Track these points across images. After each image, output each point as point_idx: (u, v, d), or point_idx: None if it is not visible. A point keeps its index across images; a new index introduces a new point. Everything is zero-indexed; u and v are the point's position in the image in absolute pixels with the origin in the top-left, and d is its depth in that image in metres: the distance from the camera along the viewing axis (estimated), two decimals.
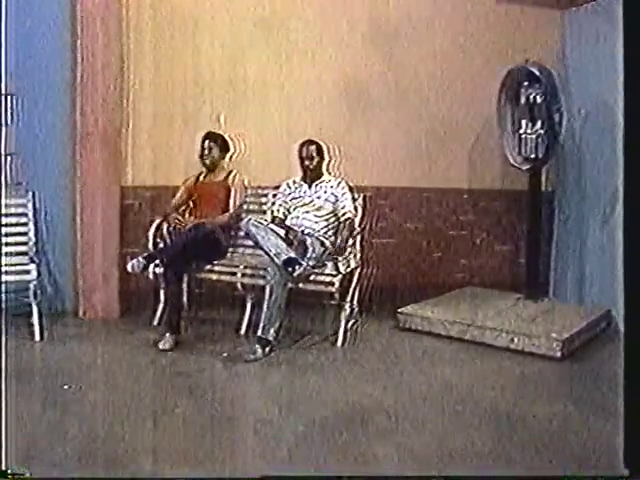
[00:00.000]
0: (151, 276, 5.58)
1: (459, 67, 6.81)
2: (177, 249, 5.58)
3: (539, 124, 6.19)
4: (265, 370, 5.04)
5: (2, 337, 4.55)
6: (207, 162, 5.96)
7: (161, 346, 5.34)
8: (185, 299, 5.95)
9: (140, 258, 5.51)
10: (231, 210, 5.90)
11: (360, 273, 5.82)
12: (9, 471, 3.29)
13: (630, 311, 3.40)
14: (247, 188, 6.05)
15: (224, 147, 6.02)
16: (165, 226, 5.91)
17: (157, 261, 5.52)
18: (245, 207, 6.11)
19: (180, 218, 5.84)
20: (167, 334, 5.41)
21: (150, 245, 5.79)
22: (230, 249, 5.98)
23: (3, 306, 5.18)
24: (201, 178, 6.04)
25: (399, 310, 6.10)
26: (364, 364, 5.23)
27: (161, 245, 5.82)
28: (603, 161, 6.36)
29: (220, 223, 5.82)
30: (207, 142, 5.94)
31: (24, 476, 3.29)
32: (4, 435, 3.40)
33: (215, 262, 5.75)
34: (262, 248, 5.33)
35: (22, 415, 3.93)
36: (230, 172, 6.00)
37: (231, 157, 6.11)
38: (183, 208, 6.05)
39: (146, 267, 5.48)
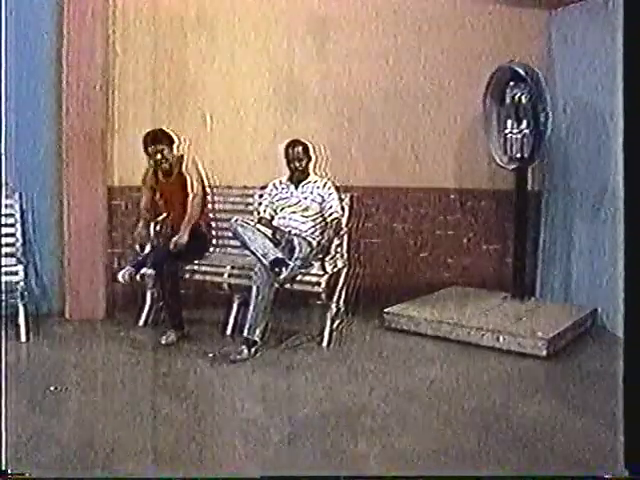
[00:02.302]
0: (138, 277, 5.59)
1: (445, 68, 6.82)
2: (164, 252, 5.59)
3: (525, 124, 6.21)
4: (251, 370, 5.04)
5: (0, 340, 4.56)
6: (165, 167, 5.76)
7: (163, 341, 5.44)
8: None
9: (128, 267, 5.55)
10: (190, 195, 5.76)
11: (347, 273, 5.84)
12: (9, 471, 3.29)
13: (630, 311, 3.40)
14: (201, 177, 5.86)
15: (171, 142, 5.77)
16: (152, 227, 5.90)
17: (147, 266, 5.55)
18: (232, 207, 6.12)
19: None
20: (170, 330, 5.50)
21: (137, 246, 5.80)
22: (217, 248, 6.01)
23: None
24: (160, 175, 5.87)
25: (385, 310, 6.11)
26: (350, 364, 5.23)
27: (147, 249, 5.80)
28: (590, 161, 6.39)
29: (197, 211, 5.78)
30: (155, 147, 5.68)
31: (24, 476, 3.29)
32: (4, 435, 3.40)
33: (202, 260, 5.79)
34: (249, 248, 5.34)
35: (8, 416, 3.92)
36: (181, 157, 5.82)
37: (178, 147, 5.90)
38: (157, 200, 5.96)
39: (136, 274, 5.53)
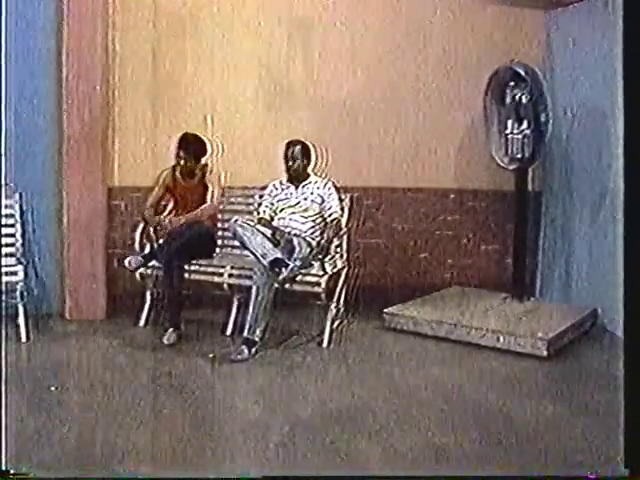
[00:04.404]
0: (143, 270, 5.63)
1: (446, 68, 6.82)
2: (176, 246, 5.59)
3: (525, 124, 6.20)
4: (251, 370, 5.05)
5: (1, 340, 4.56)
6: (185, 172, 5.88)
7: (165, 341, 5.44)
8: None
9: (139, 256, 5.55)
10: (208, 202, 5.86)
11: (347, 273, 5.83)
12: (11, 471, 3.29)
13: (630, 311, 3.40)
14: (223, 188, 6.01)
15: (201, 152, 5.90)
16: (151, 228, 5.89)
17: (157, 259, 5.58)
18: (232, 207, 6.13)
19: (163, 221, 5.82)
20: (170, 329, 5.50)
21: (137, 246, 5.80)
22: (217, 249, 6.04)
23: None
24: (177, 175, 5.93)
25: (385, 310, 6.10)
26: (350, 364, 5.24)
27: (147, 248, 5.80)
28: (590, 161, 6.39)
29: (206, 216, 5.87)
30: (184, 153, 5.81)
31: (24, 476, 3.29)
32: (4, 435, 3.40)
33: (205, 261, 5.77)
34: (248, 249, 5.34)
35: (8, 416, 3.92)
36: (205, 166, 5.93)
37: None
38: (163, 203, 6.03)
39: (143, 265, 5.54)
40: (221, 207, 6.08)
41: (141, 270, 5.61)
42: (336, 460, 3.76)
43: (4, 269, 5.40)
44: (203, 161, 5.93)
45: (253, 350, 5.21)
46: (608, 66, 5.64)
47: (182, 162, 5.82)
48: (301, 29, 6.53)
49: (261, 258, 5.23)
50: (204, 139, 5.91)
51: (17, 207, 5.76)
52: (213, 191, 5.85)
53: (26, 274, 5.58)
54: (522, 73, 6.17)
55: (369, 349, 5.60)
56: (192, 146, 5.83)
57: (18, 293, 5.44)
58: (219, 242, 6.08)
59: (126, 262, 5.55)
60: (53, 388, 4.54)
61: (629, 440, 3.28)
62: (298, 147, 5.75)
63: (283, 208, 5.79)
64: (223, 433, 4.11)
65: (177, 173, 5.91)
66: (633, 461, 3.27)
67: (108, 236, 6.14)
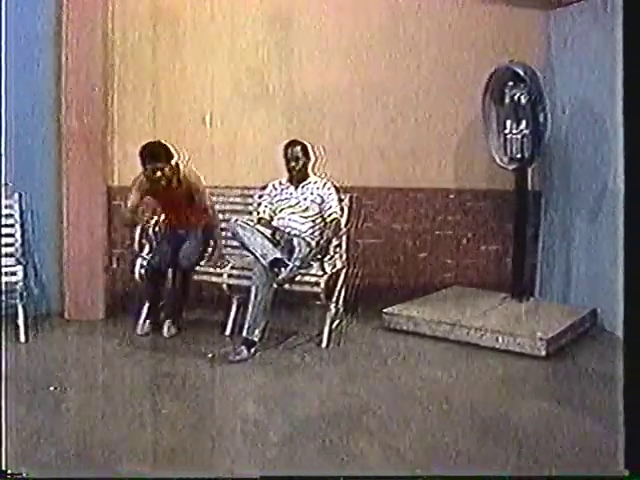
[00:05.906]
0: (137, 276, 5.62)
1: (445, 68, 6.82)
2: (171, 249, 5.64)
3: (524, 124, 6.19)
4: (250, 371, 5.04)
5: (1, 340, 4.55)
6: (163, 183, 5.56)
7: (165, 333, 5.56)
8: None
9: (143, 262, 5.63)
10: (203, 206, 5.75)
11: (346, 273, 5.84)
12: (9, 471, 3.29)
13: (630, 311, 3.40)
14: (197, 175, 5.73)
15: (169, 158, 5.52)
16: (150, 228, 5.88)
17: (152, 261, 5.62)
18: (231, 207, 6.12)
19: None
20: (168, 320, 5.62)
21: (136, 246, 5.78)
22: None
23: None
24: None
25: (385, 310, 6.10)
26: (349, 364, 5.25)
27: (147, 249, 5.79)
28: (589, 161, 6.39)
29: (211, 224, 5.81)
30: (154, 165, 5.43)
31: (24, 476, 3.29)
32: (4, 435, 3.40)
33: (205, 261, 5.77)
34: (248, 249, 5.34)
35: (8, 416, 3.92)
36: (177, 166, 5.60)
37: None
38: (142, 208, 5.84)
39: (155, 270, 5.63)
40: (217, 207, 6.02)
41: (141, 270, 5.61)
42: (335, 460, 3.76)
43: (3, 269, 5.41)
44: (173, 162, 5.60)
45: (252, 350, 5.21)
46: (608, 66, 5.64)
47: (154, 174, 5.47)
48: (301, 27, 6.53)
49: (261, 258, 5.23)
50: (167, 145, 5.54)
51: (17, 207, 5.76)
52: (202, 195, 5.70)
53: (25, 274, 5.58)
54: (521, 73, 6.17)
55: (368, 349, 5.59)
56: (156, 155, 5.47)
57: (17, 293, 5.44)
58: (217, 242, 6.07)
59: (137, 275, 5.65)
60: (52, 388, 4.54)
61: (629, 440, 3.28)
62: (298, 147, 5.75)
63: (283, 208, 5.79)
64: (222, 433, 4.11)
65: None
66: (633, 461, 3.26)
67: (107, 236, 6.13)
